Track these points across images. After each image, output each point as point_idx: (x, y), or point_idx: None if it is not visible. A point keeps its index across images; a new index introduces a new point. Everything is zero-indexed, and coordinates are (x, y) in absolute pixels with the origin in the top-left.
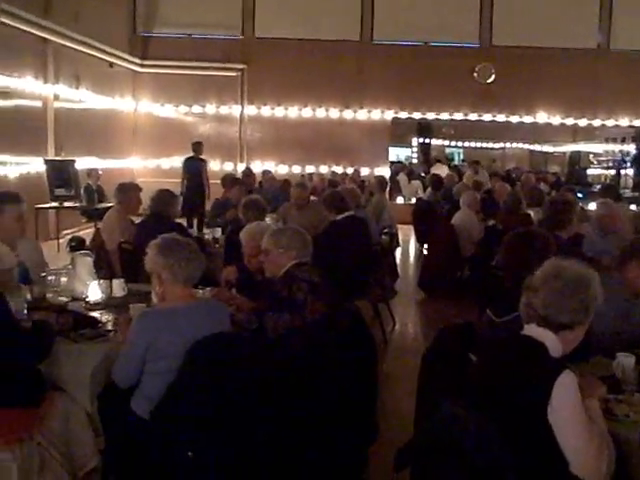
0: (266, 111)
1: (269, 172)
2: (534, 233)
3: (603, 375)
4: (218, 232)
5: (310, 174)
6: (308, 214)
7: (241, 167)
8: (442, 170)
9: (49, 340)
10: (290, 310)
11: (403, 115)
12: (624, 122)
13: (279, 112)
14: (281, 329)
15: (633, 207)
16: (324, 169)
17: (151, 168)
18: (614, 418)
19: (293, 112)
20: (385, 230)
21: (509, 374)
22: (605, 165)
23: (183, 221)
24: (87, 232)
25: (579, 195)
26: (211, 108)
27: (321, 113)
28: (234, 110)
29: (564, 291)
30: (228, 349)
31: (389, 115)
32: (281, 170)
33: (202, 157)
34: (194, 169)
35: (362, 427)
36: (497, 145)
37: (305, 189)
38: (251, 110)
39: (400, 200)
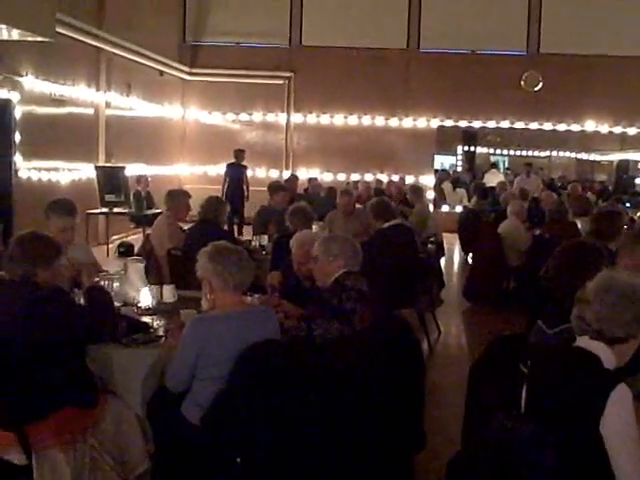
0: (312, 119)
1: (315, 179)
2: (586, 244)
3: None
4: (265, 239)
5: (355, 182)
6: (354, 222)
7: (286, 174)
8: (497, 177)
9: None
10: (339, 318)
11: (449, 123)
12: None
13: (325, 120)
14: (330, 337)
15: None
16: (369, 177)
17: (198, 175)
18: None
19: (339, 120)
20: (431, 239)
21: (562, 386)
22: None
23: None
24: (135, 238)
25: (627, 205)
26: (258, 116)
27: (367, 121)
28: (280, 118)
29: (617, 304)
30: (278, 356)
31: (435, 123)
32: (326, 178)
33: (244, 164)
34: (235, 175)
35: (409, 436)
36: (543, 153)
37: (351, 197)
38: (297, 118)
39: (445, 208)
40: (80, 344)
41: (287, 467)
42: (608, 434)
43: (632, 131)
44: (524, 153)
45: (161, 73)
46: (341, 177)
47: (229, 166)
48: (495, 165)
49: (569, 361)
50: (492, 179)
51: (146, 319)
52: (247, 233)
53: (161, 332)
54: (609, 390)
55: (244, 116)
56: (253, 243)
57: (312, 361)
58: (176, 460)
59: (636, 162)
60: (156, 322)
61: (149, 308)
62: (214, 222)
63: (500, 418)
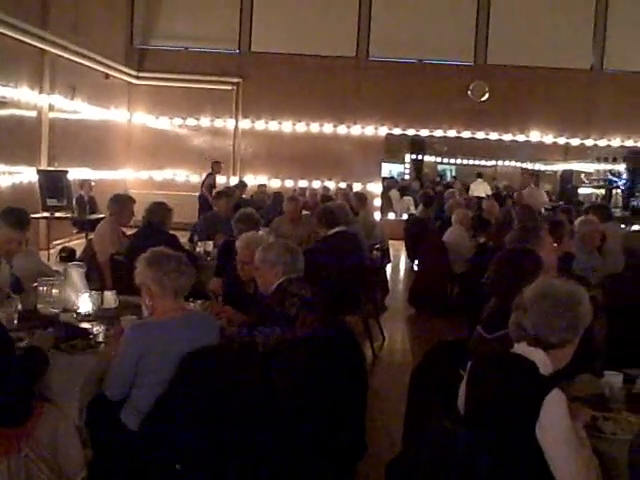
0: (260, 125)
1: (264, 186)
2: (524, 251)
3: (592, 393)
4: (210, 245)
5: (303, 188)
6: (301, 228)
7: (234, 180)
8: (483, 187)
9: (42, 366)
10: (282, 325)
11: (397, 131)
12: (616, 142)
13: (273, 126)
14: (272, 343)
15: (623, 226)
16: (317, 184)
17: (144, 180)
18: (602, 436)
19: (287, 126)
20: (376, 246)
21: (499, 391)
22: (596, 184)
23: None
24: (78, 243)
25: None
26: (205, 121)
27: (315, 128)
28: (228, 124)
29: (553, 311)
30: (219, 362)
31: (383, 131)
32: (274, 184)
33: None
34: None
35: (350, 443)
36: (489, 163)
37: (298, 203)
38: (245, 124)
39: (392, 216)
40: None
41: (227, 473)
42: (544, 438)
43: (575, 142)
44: (471, 162)
45: (107, 76)
46: (289, 184)
47: (209, 176)
48: (481, 175)
49: (506, 367)
50: (478, 189)
51: (85, 325)
52: None
53: (100, 338)
54: (544, 395)
55: (191, 121)
56: (198, 249)
57: (254, 367)
58: (115, 467)
59: (579, 172)
60: (95, 328)
61: (89, 314)
62: (159, 227)
63: (439, 422)
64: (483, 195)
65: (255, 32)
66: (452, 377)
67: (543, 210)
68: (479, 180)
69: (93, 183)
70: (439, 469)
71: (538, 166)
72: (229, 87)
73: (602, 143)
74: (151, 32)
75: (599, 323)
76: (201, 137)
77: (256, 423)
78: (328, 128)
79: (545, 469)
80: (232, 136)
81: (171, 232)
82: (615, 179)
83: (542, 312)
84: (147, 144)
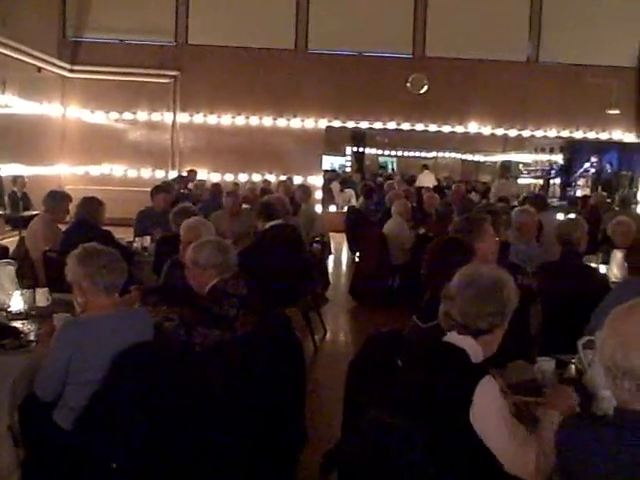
0: (199, 119)
1: (203, 181)
2: (456, 240)
3: (525, 379)
4: (147, 240)
5: (244, 182)
6: (239, 222)
7: (173, 175)
8: (430, 178)
9: None
10: (220, 326)
11: (337, 124)
12: (552, 133)
13: (212, 120)
14: (210, 344)
15: (560, 216)
16: (257, 177)
17: (80, 175)
18: (534, 420)
19: (226, 120)
20: (316, 238)
21: (432, 380)
22: (534, 175)
23: None
24: (11, 240)
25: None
26: (143, 115)
27: (255, 121)
28: (166, 117)
29: (479, 297)
30: (155, 360)
31: (323, 124)
32: (214, 178)
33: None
34: None
35: (290, 434)
36: (430, 154)
37: (237, 197)
38: (183, 117)
39: (333, 208)
40: None
41: (165, 471)
42: (480, 425)
43: (513, 133)
44: (412, 154)
45: (39, 69)
46: (229, 177)
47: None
48: (427, 166)
49: (437, 356)
50: (425, 180)
51: (17, 324)
52: None
53: (32, 337)
54: (475, 383)
55: (128, 115)
56: (135, 245)
57: (191, 365)
58: (49, 467)
59: (518, 163)
60: (27, 327)
61: (20, 313)
62: (91, 223)
63: (374, 411)
64: (430, 185)
65: (192, 24)
66: (389, 367)
67: (516, 202)
68: (426, 171)
69: (26, 179)
70: (374, 459)
71: (478, 157)
72: (166, 80)
73: (539, 134)
74: (85, 24)
75: (534, 310)
76: (138, 131)
77: (192, 420)
78: (268, 121)
79: (481, 454)
80: (170, 130)
81: (122, 228)
82: (552, 169)
83: (468, 300)
84: (82, 139)
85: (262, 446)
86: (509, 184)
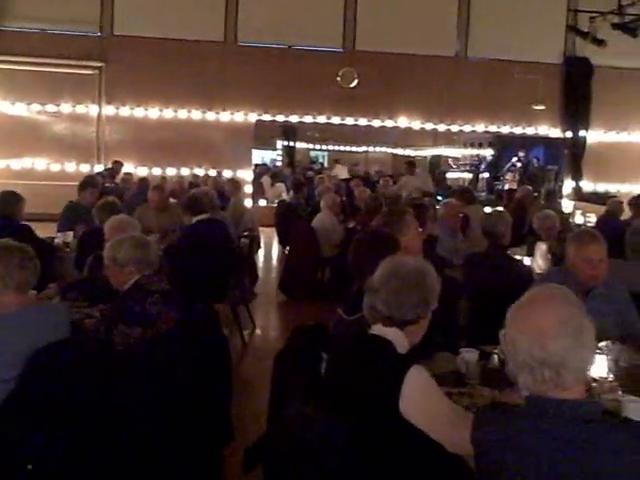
0: (125, 111)
1: (130, 174)
2: (381, 234)
3: (450, 370)
4: (70, 236)
5: (171, 177)
6: (165, 217)
7: (98, 169)
8: (342, 171)
9: None
10: (142, 323)
11: (267, 118)
12: (480, 128)
13: (139, 112)
14: (132, 342)
15: (488, 209)
16: (186, 171)
17: (0, 169)
18: None
19: (154, 113)
20: (245, 233)
21: (358, 373)
22: (463, 169)
23: None
24: None
25: (439, 198)
26: (66, 107)
27: (183, 114)
28: (91, 110)
29: (402, 289)
30: (73, 359)
31: (253, 117)
32: (141, 172)
33: None
34: None
35: (216, 431)
36: (361, 149)
37: (163, 191)
38: (109, 110)
39: (263, 203)
40: None
41: (87, 472)
42: (414, 415)
43: (442, 128)
44: (342, 148)
45: None
46: (157, 171)
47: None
48: (338, 161)
49: (364, 348)
50: (338, 173)
51: None
52: None
53: None
54: (403, 374)
55: (51, 107)
56: (57, 240)
57: (112, 363)
58: None
59: (447, 158)
60: None
61: None
62: (10, 217)
63: (298, 405)
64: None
65: (118, 14)
66: (314, 360)
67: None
68: (338, 165)
69: None
70: (297, 454)
71: (408, 151)
72: (91, 71)
73: (467, 129)
74: (4, 12)
75: (460, 302)
76: (62, 124)
77: (115, 420)
78: (196, 114)
79: (413, 445)
80: (95, 123)
81: (45, 223)
82: (481, 163)
83: (391, 292)
84: (2, 132)
85: (187, 444)
86: (412, 180)
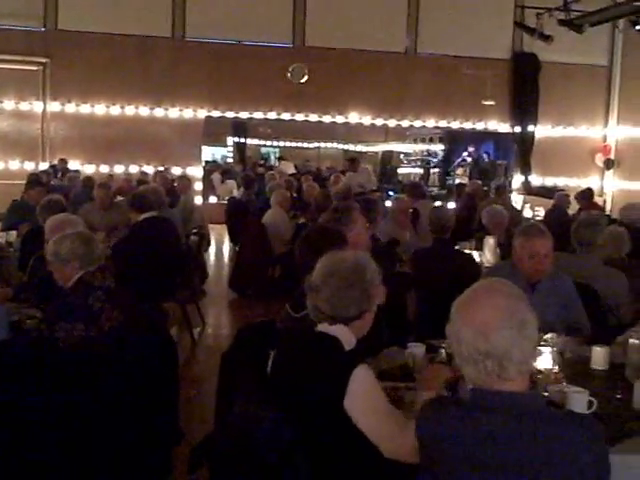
0: (71, 108)
1: (76, 172)
2: (327, 230)
3: (398, 365)
4: (13, 235)
5: (119, 174)
6: (111, 215)
7: (43, 166)
8: (288, 167)
9: None
10: (85, 320)
11: (216, 114)
12: (430, 123)
13: (85, 109)
14: (74, 339)
15: (439, 204)
16: (134, 168)
17: None
18: (404, 406)
19: (100, 109)
20: (194, 230)
21: (305, 370)
22: (414, 164)
23: None
24: None
25: (390, 193)
26: (9, 104)
27: (131, 111)
28: (35, 106)
29: (343, 287)
30: (13, 358)
31: (202, 114)
32: (88, 170)
33: None
34: None
35: (162, 431)
36: (312, 145)
37: (108, 189)
38: (54, 107)
39: (214, 199)
40: None
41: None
42: (356, 414)
43: (392, 123)
44: (294, 144)
45: None
46: (104, 169)
47: None
48: (283, 157)
49: (310, 345)
50: (286, 168)
51: None
52: None
53: None
54: (349, 372)
55: None
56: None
57: (54, 363)
58: None
59: (399, 153)
60: None
61: None
62: None
63: (244, 404)
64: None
65: (62, 8)
66: (261, 358)
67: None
68: (283, 162)
69: None
70: (243, 453)
71: (360, 147)
72: (35, 67)
73: (417, 124)
74: None
75: (410, 296)
76: (5, 121)
77: (57, 419)
78: (144, 111)
79: (357, 443)
80: (40, 119)
81: None
82: (432, 158)
83: (332, 291)
84: None
85: (134, 444)
86: (355, 176)
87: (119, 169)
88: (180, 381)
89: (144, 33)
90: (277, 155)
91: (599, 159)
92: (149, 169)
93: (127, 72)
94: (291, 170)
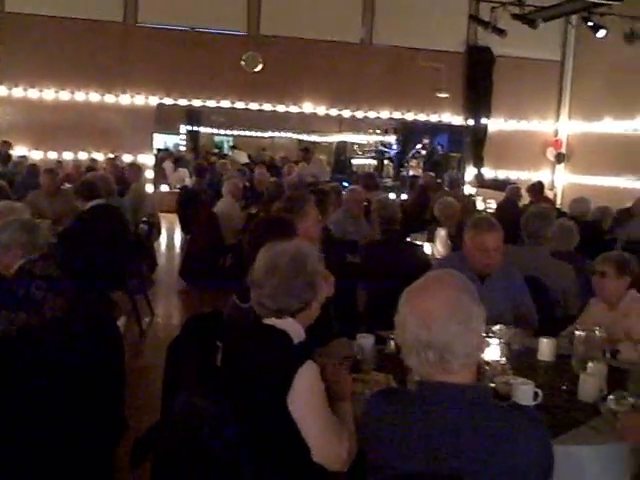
0: (18, 93)
1: (23, 158)
2: (276, 220)
3: (346, 356)
4: None
5: (68, 161)
6: (60, 202)
7: None
8: (241, 157)
9: None
10: (26, 309)
11: (169, 101)
12: (385, 114)
13: (33, 94)
14: (15, 329)
15: (392, 195)
16: (84, 155)
17: None
18: (352, 397)
19: (49, 94)
20: (144, 219)
21: (253, 364)
22: (368, 155)
23: None
24: None
25: (344, 184)
26: None
27: (81, 97)
28: None
29: (285, 281)
30: None
31: (154, 101)
32: (36, 156)
33: None
34: None
35: (108, 423)
36: (267, 134)
37: (55, 176)
38: (1, 91)
39: (165, 188)
40: None
41: None
42: (297, 410)
43: (347, 114)
44: (248, 134)
45: None
46: (52, 155)
47: None
48: (235, 146)
49: (259, 339)
50: (239, 157)
51: None
52: None
53: None
54: (297, 367)
55: None
56: None
57: None
58: None
59: (353, 144)
60: None
61: None
62: None
63: (187, 395)
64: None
65: None
66: (208, 349)
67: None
68: (236, 151)
69: None
70: (188, 443)
71: (314, 137)
72: None
73: (372, 115)
74: None
75: (360, 288)
76: None
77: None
78: (95, 97)
79: (298, 439)
80: None
81: None
82: (386, 150)
83: (275, 286)
84: None
85: (77, 437)
86: (309, 167)
87: (68, 156)
88: (127, 372)
89: (95, 17)
90: (231, 144)
91: (550, 153)
92: (99, 156)
93: (77, 57)
94: (244, 159)
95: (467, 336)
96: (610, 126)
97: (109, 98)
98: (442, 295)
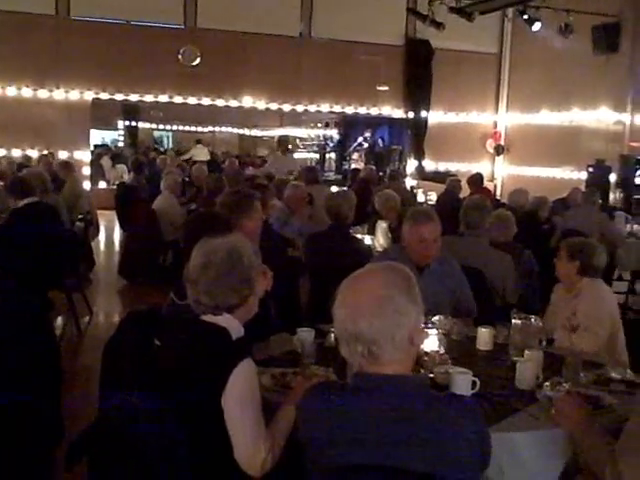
0: None
1: None
2: (212, 215)
3: (286, 350)
4: None
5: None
6: None
7: None
8: (203, 152)
9: None
10: None
11: (104, 96)
12: (325, 108)
13: None
14: None
15: (335, 188)
16: (17, 152)
17: None
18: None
19: None
20: (80, 216)
21: (190, 361)
22: (310, 149)
23: None
24: None
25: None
26: None
27: (12, 92)
28: None
29: (220, 278)
30: None
31: (89, 96)
32: None
33: None
34: None
35: (44, 428)
36: (207, 129)
37: None
38: None
39: (103, 185)
40: None
41: None
42: (229, 407)
43: (287, 108)
44: (187, 128)
45: None
46: None
47: None
48: (200, 141)
49: (195, 335)
50: (199, 154)
51: None
52: None
53: None
54: (234, 365)
55: None
56: None
57: None
58: None
59: (295, 138)
60: None
61: None
62: None
63: (124, 394)
64: (204, 159)
65: None
66: (146, 347)
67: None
68: (199, 146)
69: None
70: (123, 441)
71: (255, 132)
72: None
73: (312, 109)
74: None
75: (302, 281)
76: None
77: None
78: (27, 92)
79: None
80: None
81: None
82: (328, 144)
83: (210, 283)
84: None
85: (11, 441)
86: (286, 159)
87: (0, 153)
88: (64, 373)
89: (25, 10)
90: (170, 139)
91: (490, 145)
92: (33, 153)
93: (8, 51)
94: (205, 155)
95: (394, 331)
96: (547, 118)
97: (42, 93)
98: (371, 288)
